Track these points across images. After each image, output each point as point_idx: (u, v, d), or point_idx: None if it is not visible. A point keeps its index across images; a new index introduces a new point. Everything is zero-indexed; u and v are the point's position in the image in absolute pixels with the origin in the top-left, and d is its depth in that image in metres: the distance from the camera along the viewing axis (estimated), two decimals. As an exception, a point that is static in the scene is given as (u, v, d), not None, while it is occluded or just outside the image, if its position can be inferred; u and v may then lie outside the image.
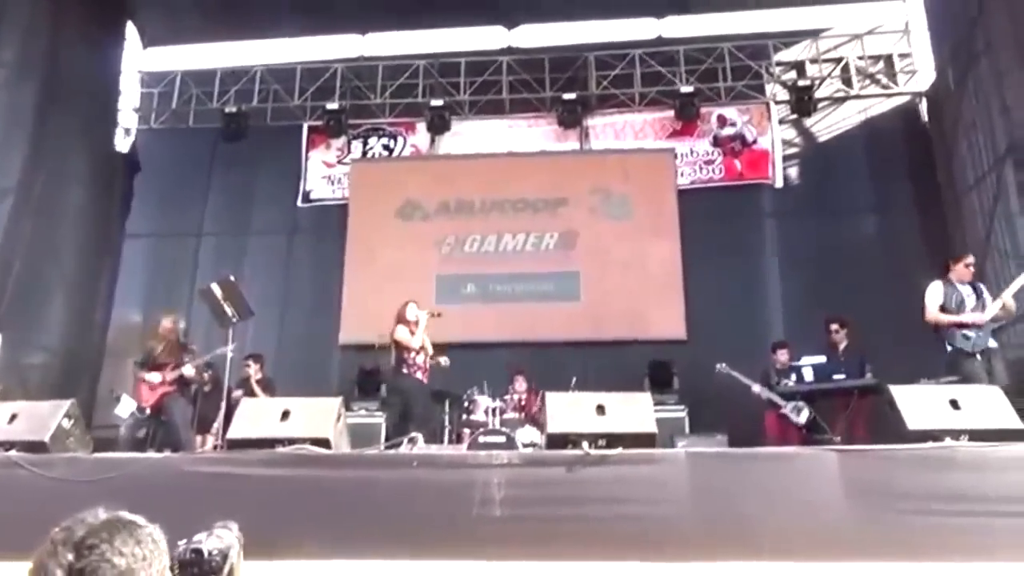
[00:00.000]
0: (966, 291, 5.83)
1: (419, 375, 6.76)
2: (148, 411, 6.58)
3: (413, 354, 6.75)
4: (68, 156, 9.13)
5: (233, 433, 4.68)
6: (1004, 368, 5.69)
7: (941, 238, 9.15)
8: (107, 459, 4.65)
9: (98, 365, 9.70)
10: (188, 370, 6.53)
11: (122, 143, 10.94)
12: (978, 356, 5.60)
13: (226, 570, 1.67)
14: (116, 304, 10.24)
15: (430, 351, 6.91)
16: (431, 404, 6.98)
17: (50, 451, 4.56)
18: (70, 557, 1.09)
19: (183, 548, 1.69)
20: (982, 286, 5.90)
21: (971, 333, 5.64)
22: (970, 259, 5.94)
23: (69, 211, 9.18)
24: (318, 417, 4.65)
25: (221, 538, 1.72)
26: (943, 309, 5.79)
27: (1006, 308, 5.69)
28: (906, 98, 10.19)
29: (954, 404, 4.26)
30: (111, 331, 10.06)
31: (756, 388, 7.27)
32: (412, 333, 6.76)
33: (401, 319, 6.83)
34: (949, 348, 5.79)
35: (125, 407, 7.48)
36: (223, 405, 6.42)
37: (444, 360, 7.03)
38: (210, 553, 1.71)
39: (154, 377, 6.46)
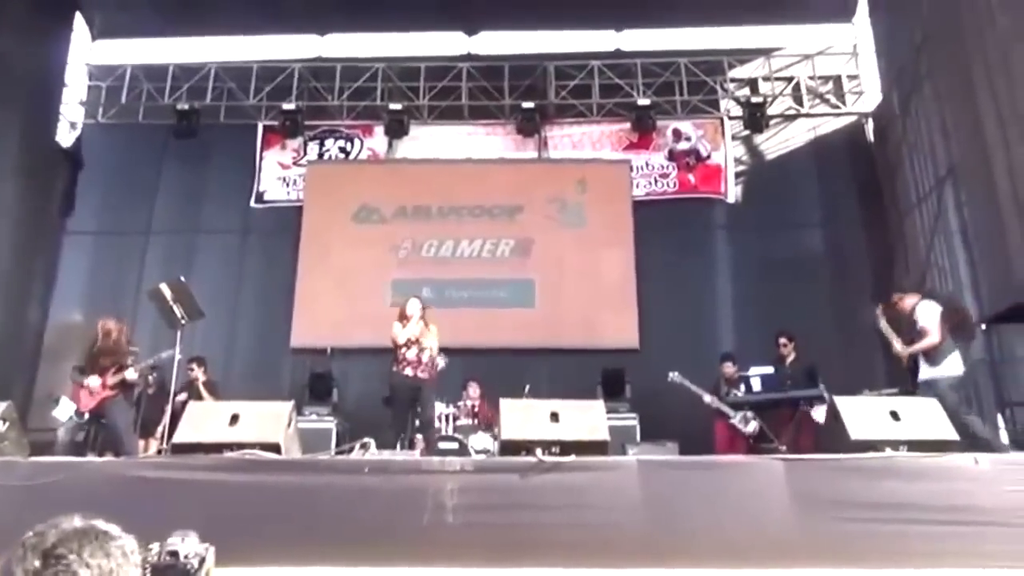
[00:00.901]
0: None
1: (408, 370, 6.54)
2: (87, 415, 6.35)
3: (403, 349, 6.57)
4: (3, 148, 8.79)
5: (179, 437, 4.56)
6: None
7: (885, 253, 9.49)
8: (45, 463, 4.48)
9: (34, 366, 9.37)
10: (131, 374, 6.29)
11: (66, 137, 10.60)
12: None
13: (203, 573, 1.63)
14: (54, 303, 9.91)
15: (427, 345, 6.63)
16: (405, 401, 6.59)
17: (-17, 455, 4.39)
18: (36, 563, 1.09)
19: (157, 551, 1.65)
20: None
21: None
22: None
23: (4, 206, 8.83)
24: (268, 421, 4.56)
25: (194, 541, 1.69)
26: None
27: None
28: (853, 118, 10.54)
29: (894, 415, 4.41)
30: (49, 331, 9.73)
31: (707, 398, 7.42)
32: (404, 328, 6.62)
33: (401, 315, 6.71)
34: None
35: (64, 410, 7.23)
36: (168, 409, 6.26)
37: (441, 360, 6.82)
38: (186, 556, 1.67)
39: (94, 382, 6.17)
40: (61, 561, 1.10)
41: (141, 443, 6.91)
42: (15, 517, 4.03)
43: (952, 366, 5.61)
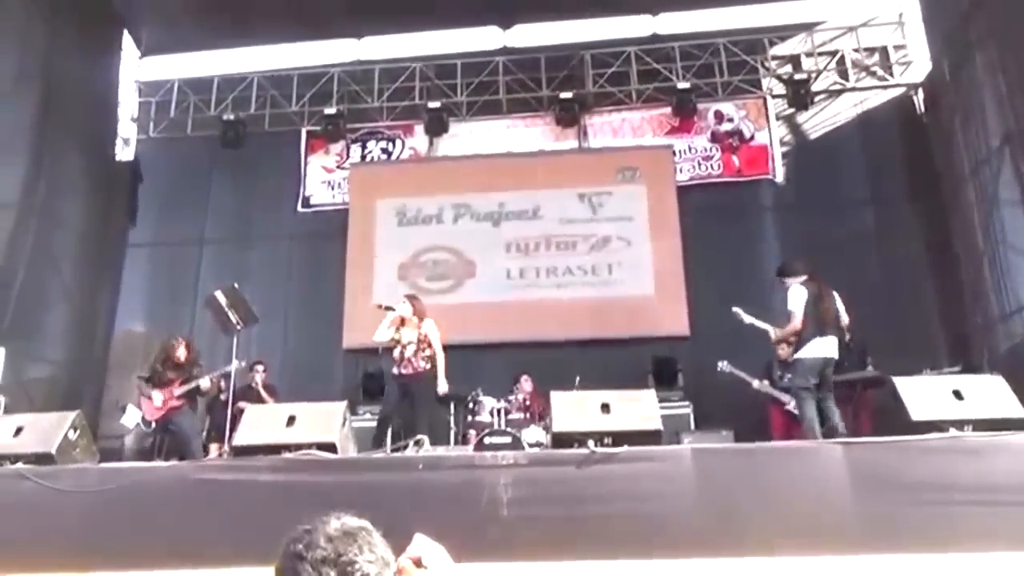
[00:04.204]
0: None
1: (393, 369, 6.49)
2: (153, 423, 6.58)
3: (393, 349, 6.52)
4: (68, 168, 9.14)
5: (239, 440, 4.70)
6: None
7: (939, 227, 9.18)
8: (114, 469, 4.67)
9: (102, 376, 9.69)
10: (205, 382, 6.53)
11: (122, 153, 10.96)
12: None
13: None
14: (119, 315, 10.25)
15: (407, 341, 6.48)
16: (394, 398, 6.44)
17: (57, 463, 4.57)
18: (332, 574, 1.16)
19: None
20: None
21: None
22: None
23: (70, 223, 9.19)
24: (324, 421, 4.66)
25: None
26: None
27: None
28: (902, 90, 10.19)
29: (957, 394, 4.28)
30: (115, 342, 10.07)
31: (756, 384, 7.25)
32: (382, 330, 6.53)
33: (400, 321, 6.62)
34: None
35: (131, 417, 7.50)
36: (228, 413, 6.44)
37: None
38: None
39: (157, 397, 6.42)
40: (354, 566, 1.17)
41: (214, 447, 7.14)
42: (87, 521, 4.22)
43: (815, 349, 5.64)
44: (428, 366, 6.46)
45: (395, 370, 6.48)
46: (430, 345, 6.52)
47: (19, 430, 4.82)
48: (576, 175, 10.26)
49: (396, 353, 6.47)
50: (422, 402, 6.42)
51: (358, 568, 1.17)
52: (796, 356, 5.76)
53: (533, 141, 10.75)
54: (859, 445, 4.06)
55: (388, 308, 6.53)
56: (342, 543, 1.19)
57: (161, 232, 10.76)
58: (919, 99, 10.07)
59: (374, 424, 7.77)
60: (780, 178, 10.08)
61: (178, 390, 6.41)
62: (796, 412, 7.01)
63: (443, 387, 6.49)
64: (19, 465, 4.51)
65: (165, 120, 11.10)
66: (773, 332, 6.08)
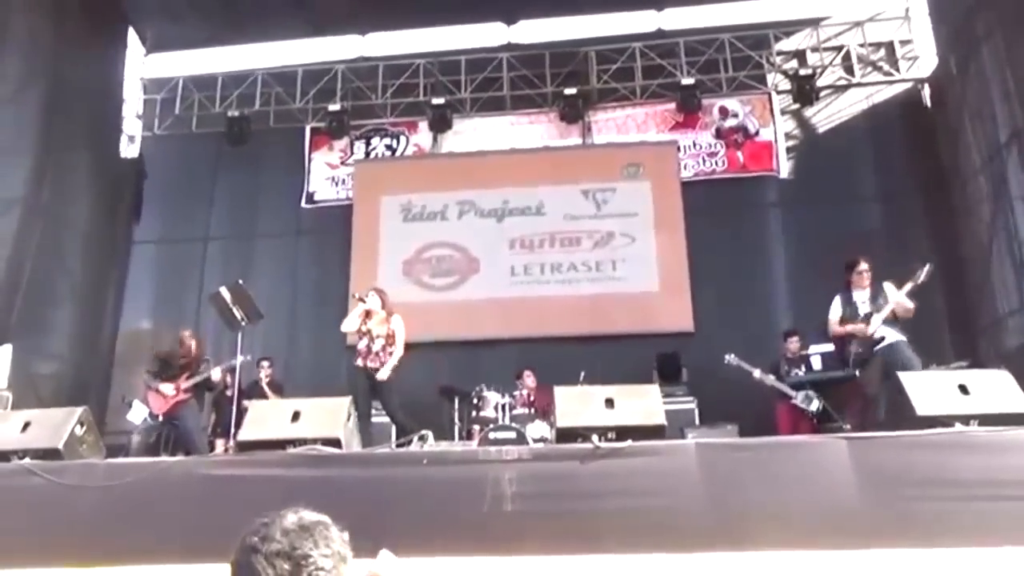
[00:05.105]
0: (862, 297, 5.78)
1: (359, 361, 6.33)
2: (160, 417, 6.61)
3: (356, 340, 6.44)
4: (74, 165, 9.17)
5: (244, 435, 4.72)
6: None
7: (946, 223, 9.13)
8: (120, 464, 4.68)
9: (109, 372, 9.76)
10: (216, 373, 6.57)
11: (128, 150, 10.99)
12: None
13: None
14: (125, 311, 10.29)
15: (378, 334, 6.36)
16: (361, 392, 6.14)
17: (64, 458, 4.59)
18: (287, 567, 1.16)
19: None
20: (886, 287, 5.77)
21: (852, 348, 5.67)
22: (861, 266, 5.84)
23: (77, 220, 9.22)
24: (328, 417, 4.67)
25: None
26: (843, 320, 5.79)
27: (904, 309, 5.60)
28: (908, 85, 10.15)
29: (963, 389, 4.25)
30: (121, 338, 10.11)
31: (766, 379, 7.24)
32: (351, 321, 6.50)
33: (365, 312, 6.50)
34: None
35: (137, 413, 7.55)
36: (234, 409, 6.46)
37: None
38: None
39: (167, 389, 6.45)
40: (308, 560, 1.17)
41: (220, 443, 7.16)
42: (93, 516, 4.24)
43: None
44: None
45: (359, 362, 6.32)
46: (395, 342, 6.39)
47: (26, 425, 4.84)
48: (580, 171, 10.26)
49: (363, 345, 6.34)
50: (388, 399, 6.31)
51: (312, 562, 1.17)
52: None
53: (537, 137, 10.74)
54: (864, 440, 4.05)
55: (361, 299, 6.48)
56: (298, 537, 1.19)
57: (166, 229, 10.80)
58: (926, 94, 10.02)
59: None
60: (785, 174, 10.05)
61: (186, 383, 6.43)
62: (803, 407, 7.04)
63: (384, 375, 6.25)
64: (26, 460, 4.53)
65: (170, 117, 11.11)
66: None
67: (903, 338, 5.59)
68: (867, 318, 5.63)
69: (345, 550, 1.23)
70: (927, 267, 5.64)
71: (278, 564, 1.15)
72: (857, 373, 5.91)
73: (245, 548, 1.18)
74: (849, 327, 5.69)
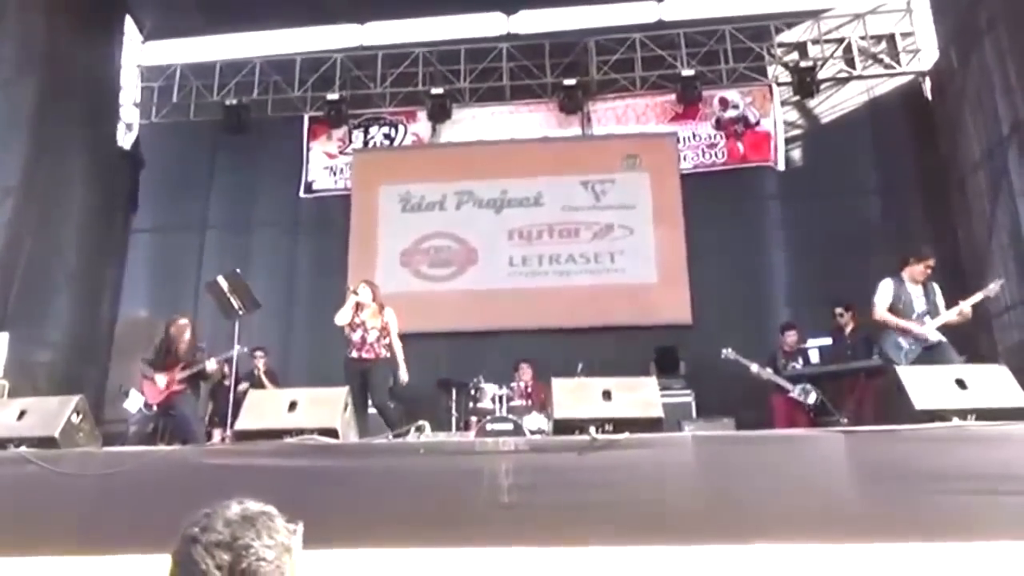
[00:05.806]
0: (916, 292, 5.56)
1: (353, 352, 6.33)
2: (155, 407, 6.59)
3: (349, 332, 6.42)
4: (70, 153, 9.12)
5: (240, 425, 4.70)
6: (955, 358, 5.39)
7: (946, 216, 9.12)
8: (117, 453, 4.67)
9: (106, 361, 9.74)
10: (211, 364, 6.52)
11: (125, 138, 10.94)
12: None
13: None
14: (122, 299, 10.26)
15: (372, 326, 6.36)
16: (355, 384, 5.99)
17: (60, 447, 4.57)
18: (227, 558, 1.14)
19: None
20: (935, 288, 5.61)
21: (905, 343, 5.40)
22: (931, 261, 5.61)
23: (73, 208, 9.18)
24: (325, 407, 4.66)
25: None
26: (891, 309, 5.50)
27: (963, 315, 5.45)
28: (909, 77, 10.12)
29: (960, 383, 4.24)
30: (118, 326, 10.09)
31: (764, 372, 7.25)
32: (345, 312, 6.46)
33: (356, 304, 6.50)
34: (877, 351, 5.68)
35: (134, 402, 7.53)
36: (231, 398, 6.45)
37: (403, 374, 6.43)
38: None
39: (162, 379, 6.41)
40: (249, 551, 1.15)
41: (217, 432, 7.14)
42: (90, 505, 4.23)
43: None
44: (388, 355, 6.36)
45: (353, 353, 6.31)
46: (390, 334, 6.40)
47: (23, 414, 4.82)
48: (579, 162, 10.23)
49: (357, 337, 6.34)
50: (378, 390, 6.29)
51: (254, 552, 1.14)
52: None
53: (536, 128, 10.70)
54: (861, 434, 4.04)
55: (354, 292, 6.49)
56: (240, 527, 1.17)
57: (163, 217, 10.76)
58: (927, 87, 10.00)
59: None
60: (781, 166, 10.01)
61: (181, 373, 6.40)
62: (800, 400, 7.05)
63: (404, 376, 6.35)
64: (22, 449, 4.51)
65: (167, 105, 11.06)
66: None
67: (945, 339, 5.44)
68: (920, 317, 5.45)
69: (289, 541, 1.21)
70: (1000, 281, 5.52)
71: (217, 555, 1.13)
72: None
73: (185, 538, 1.16)
74: (904, 322, 5.42)
